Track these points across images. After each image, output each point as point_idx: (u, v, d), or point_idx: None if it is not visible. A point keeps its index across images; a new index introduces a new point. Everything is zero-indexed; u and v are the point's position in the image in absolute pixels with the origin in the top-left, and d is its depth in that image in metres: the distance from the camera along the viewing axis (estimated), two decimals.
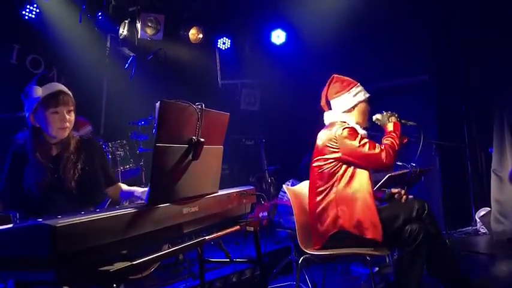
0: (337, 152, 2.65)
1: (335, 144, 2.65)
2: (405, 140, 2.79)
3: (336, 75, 2.90)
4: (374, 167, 2.67)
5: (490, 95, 5.22)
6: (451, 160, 5.41)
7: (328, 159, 2.69)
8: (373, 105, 2.88)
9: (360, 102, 2.79)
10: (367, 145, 2.59)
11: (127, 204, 2.50)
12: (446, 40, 5.33)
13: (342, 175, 2.67)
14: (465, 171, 5.57)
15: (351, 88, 2.81)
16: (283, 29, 6.22)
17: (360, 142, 2.60)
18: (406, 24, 5.42)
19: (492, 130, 5.08)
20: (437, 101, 5.56)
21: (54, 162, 2.23)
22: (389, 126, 2.79)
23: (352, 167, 2.66)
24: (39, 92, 2.16)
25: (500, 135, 5.00)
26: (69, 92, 2.27)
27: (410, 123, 2.90)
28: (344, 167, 2.66)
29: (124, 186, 2.49)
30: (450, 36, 5.30)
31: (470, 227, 5.31)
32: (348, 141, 2.61)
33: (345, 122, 2.74)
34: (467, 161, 5.55)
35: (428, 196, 5.07)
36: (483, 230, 5.02)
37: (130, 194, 2.41)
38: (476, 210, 5.26)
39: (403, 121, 2.84)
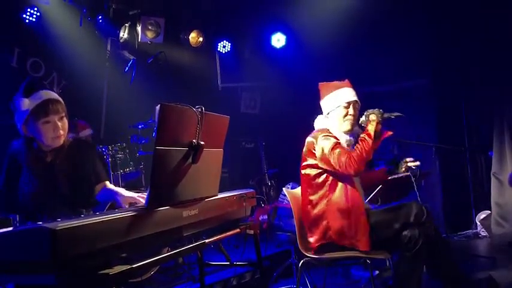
0: (316, 159, 2.69)
1: (314, 151, 2.69)
2: (386, 135, 2.70)
3: (320, 83, 2.93)
4: (341, 175, 2.64)
5: (490, 97, 5.22)
6: (451, 163, 5.41)
7: (312, 165, 2.72)
8: (372, 108, 2.85)
9: (337, 107, 2.78)
10: (336, 153, 2.58)
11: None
12: (446, 42, 5.33)
13: (332, 186, 2.67)
14: (465, 175, 5.56)
15: (328, 94, 2.84)
16: (283, 32, 6.24)
17: (330, 149, 2.60)
18: (407, 28, 5.43)
19: (492, 133, 5.08)
20: (437, 104, 5.57)
21: (48, 169, 2.22)
22: (368, 127, 2.69)
23: (339, 178, 2.66)
24: (26, 104, 2.10)
25: (500, 138, 5.01)
26: (58, 98, 2.20)
27: (395, 114, 2.74)
28: (332, 178, 2.68)
29: (110, 186, 2.38)
30: (450, 39, 5.30)
31: (470, 230, 5.29)
32: (321, 148, 2.64)
33: (326, 129, 2.76)
34: (468, 164, 5.55)
35: (429, 199, 5.06)
36: (483, 233, 5.01)
37: (109, 196, 2.28)
38: (477, 213, 5.24)
39: (385, 115, 2.71)
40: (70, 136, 2.31)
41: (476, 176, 5.53)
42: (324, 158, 2.63)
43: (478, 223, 5.10)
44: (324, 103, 2.87)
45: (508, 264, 3.74)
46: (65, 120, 2.22)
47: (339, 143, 2.68)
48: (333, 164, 2.60)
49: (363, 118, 2.76)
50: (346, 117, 2.77)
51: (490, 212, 5.02)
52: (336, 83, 2.88)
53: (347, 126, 2.77)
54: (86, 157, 2.33)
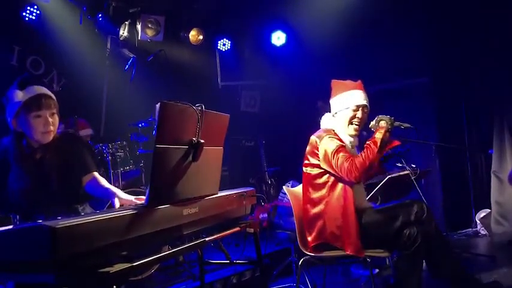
0: (319, 160, 2.67)
1: (317, 151, 2.68)
2: (393, 144, 2.65)
3: (333, 80, 2.88)
4: (342, 179, 2.62)
5: (490, 96, 5.22)
6: (451, 162, 5.41)
7: (313, 165, 2.72)
8: (372, 107, 2.84)
9: (346, 108, 2.74)
10: (339, 157, 2.54)
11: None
12: (446, 42, 5.32)
13: (332, 187, 2.67)
14: (465, 173, 5.56)
15: (338, 94, 2.79)
16: (284, 30, 6.23)
17: (334, 152, 2.57)
18: (406, 26, 5.42)
19: (492, 132, 5.08)
20: (437, 103, 5.57)
21: (37, 166, 2.20)
22: (376, 134, 2.62)
23: (340, 180, 2.65)
24: (20, 96, 2.09)
25: (500, 136, 5.01)
26: (52, 95, 2.20)
27: (406, 125, 2.70)
28: (333, 179, 2.67)
29: (101, 179, 2.30)
30: (450, 39, 5.30)
31: (470, 229, 5.29)
32: (324, 150, 2.62)
33: (332, 130, 2.74)
34: (468, 163, 5.55)
35: (429, 198, 5.06)
36: (483, 231, 5.02)
37: (105, 194, 2.19)
38: (477, 211, 5.25)
39: (396, 123, 2.67)
40: (58, 131, 2.29)
41: (476, 174, 5.53)
42: (327, 160, 2.61)
43: (478, 222, 5.11)
44: (334, 102, 2.83)
45: (508, 263, 3.74)
46: (56, 117, 2.21)
47: (344, 146, 2.64)
48: (334, 167, 2.58)
49: (373, 122, 2.71)
50: (353, 121, 2.74)
51: (490, 210, 5.02)
52: (349, 83, 2.83)
53: (352, 130, 2.75)
54: (73, 149, 2.31)
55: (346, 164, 2.51)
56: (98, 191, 2.26)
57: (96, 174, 2.32)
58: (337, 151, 2.58)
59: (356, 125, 2.74)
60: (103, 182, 2.29)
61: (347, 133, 2.76)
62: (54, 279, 1.20)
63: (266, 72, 6.48)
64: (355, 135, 2.77)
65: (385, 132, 2.60)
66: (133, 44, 5.25)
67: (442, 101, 5.55)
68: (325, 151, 2.62)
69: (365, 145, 2.61)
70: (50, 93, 2.20)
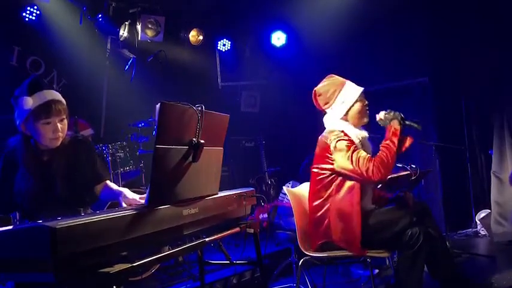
0: (332, 164, 2.63)
1: (330, 155, 2.63)
2: (407, 143, 2.66)
3: (315, 89, 2.82)
4: (363, 181, 2.59)
5: (490, 96, 5.22)
6: (451, 162, 5.40)
7: (324, 169, 2.68)
8: (373, 107, 2.82)
9: (352, 105, 2.72)
10: (358, 159, 2.52)
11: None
12: (445, 42, 5.33)
13: (339, 187, 2.65)
14: (465, 173, 5.56)
15: (337, 95, 2.74)
16: (284, 31, 6.23)
17: (351, 156, 2.54)
18: (406, 27, 5.43)
19: (492, 132, 5.08)
20: (437, 103, 5.56)
21: (44, 168, 2.20)
22: (389, 131, 2.64)
23: (348, 180, 2.63)
24: (29, 103, 2.07)
25: (500, 136, 5.00)
26: (61, 99, 2.18)
27: (415, 126, 2.69)
28: (340, 178, 2.65)
29: (111, 185, 2.34)
30: (450, 38, 5.30)
31: (470, 229, 5.29)
32: (340, 155, 2.58)
33: (341, 132, 2.67)
34: (467, 163, 5.54)
35: (429, 198, 5.06)
36: (483, 232, 5.02)
37: (112, 196, 2.25)
38: (477, 212, 5.25)
39: (407, 122, 2.67)
40: (68, 134, 2.28)
41: (476, 174, 5.53)
42: (344, 165, 2.57)
43: (478, 222, 5.11)
44: (337, 105, 2.74)
45: (507, 264, 3.74)
46: (65, 122, 2.20)
47: (357, 147, 2.61)
48: (355, 169, 2.53)
49: (380, 116, 2.70)
50: (366, 108, 2.75)
51: (489, 211, 5.02)
52: (335, 79, 2.80)
53: (366, 118, 2.76)
54: (84, 157, 2.31)
55: (370, 165, 2.50)
56: (109, 196, 2.30)
57: (108, 181, 2.35)
58: (354, 151, 2.56)
59: (367, 111, 2.75)
60: (112, 186, 2.33)
61: (362, 124, 2.74)
62: (54, 279, 1.20)
63: (266, 72, 6.49)
64: (368, 121, 2.77)
65: (400, 132, 2.60)
66: (133, 44, 5.26)
67: (442, 101, 5.55)
68: (341, 155, 2.57)
69: (382, 145, 2.60)
70: (59, 97, 2.17)
